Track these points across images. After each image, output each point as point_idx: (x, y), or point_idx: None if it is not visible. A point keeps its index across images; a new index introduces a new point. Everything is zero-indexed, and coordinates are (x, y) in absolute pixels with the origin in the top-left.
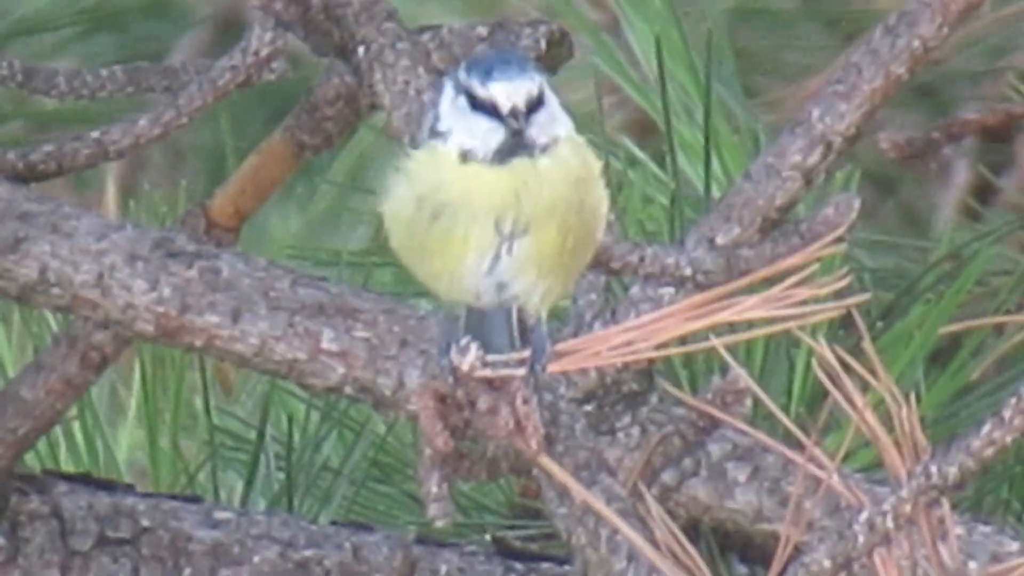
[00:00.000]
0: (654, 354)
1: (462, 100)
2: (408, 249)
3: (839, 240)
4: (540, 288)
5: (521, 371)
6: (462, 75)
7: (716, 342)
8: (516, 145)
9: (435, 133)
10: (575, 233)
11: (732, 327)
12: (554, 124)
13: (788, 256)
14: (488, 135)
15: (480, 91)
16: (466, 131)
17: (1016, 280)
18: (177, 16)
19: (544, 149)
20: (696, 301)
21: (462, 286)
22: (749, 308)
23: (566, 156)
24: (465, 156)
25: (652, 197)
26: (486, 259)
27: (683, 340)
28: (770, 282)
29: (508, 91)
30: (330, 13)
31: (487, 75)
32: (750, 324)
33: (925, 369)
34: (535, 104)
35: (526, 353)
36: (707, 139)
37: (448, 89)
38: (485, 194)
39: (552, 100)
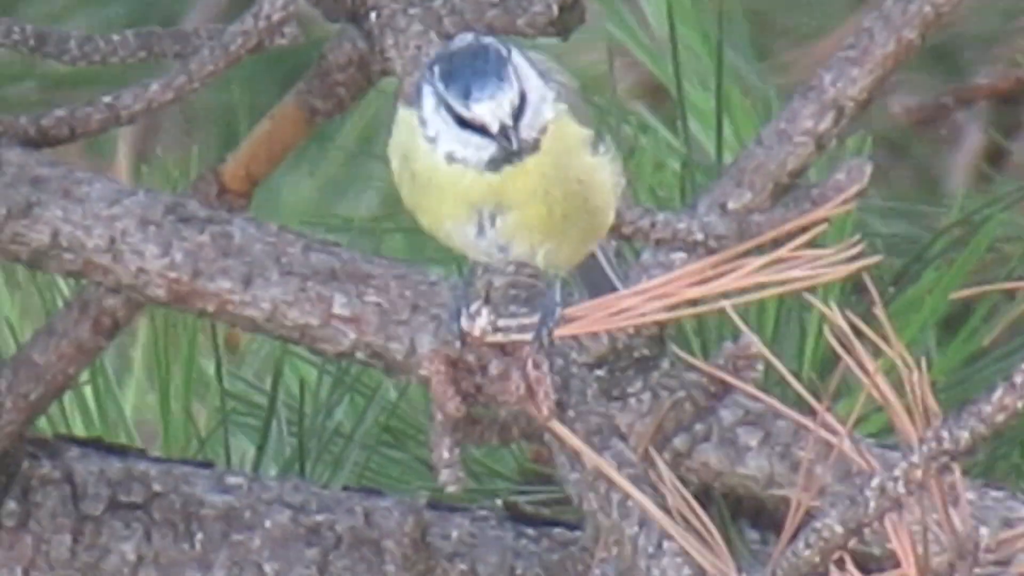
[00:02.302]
0: (663, 317)
1: (445, 112)
2: (407, 202)
3: (848, 202)
4: (544, 251)
5: (529, 336)
6: (440, 87)
7: (726, 303)
8: (509, 154)
9: (426, 133)
10: (563, 204)
11: (743, 290)
12: (538, 115)
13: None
14: (480, 150)
15: (464, 112)
16: (455, 141)
17: None
18: None
19: (534, 145)
20: (705, 264)
21: (458, 245)
22: (758, 270)
23: (549, 145)
24: (453, 158)
25: (664, 162)
26: (470, 228)
27: (693, 303)
28: (780, 245)
29: (492, 109)
30: None
31: (467, 95)
32: (760, 286)
33: (937, 335)
34: (519, 110)
35: (534, 318)
36: (719, 104)
37: (428, 95)
38: (460, 191)
39: (530, 79)
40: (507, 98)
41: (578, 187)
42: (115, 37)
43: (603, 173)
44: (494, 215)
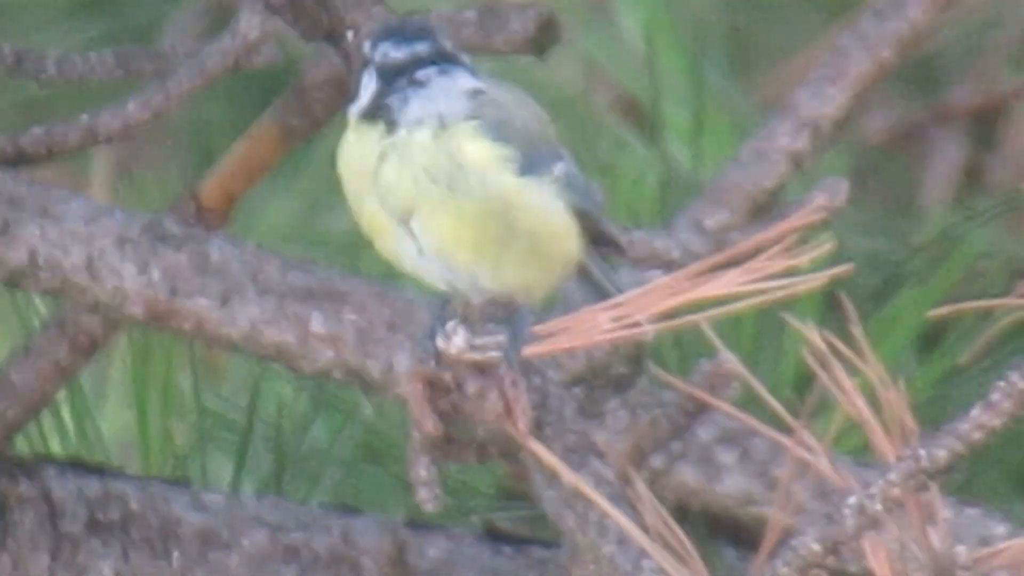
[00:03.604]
0: (637, 331)
1: (367, 72)
2: (366, 235)
3: (818, 213)
4: (486, 273)
5: (499, 354)
6: (368, 46)
7: (700, 317)
8: (376, 107)
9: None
10: (478, 220)
11: (719, 303)
12: (432, 107)
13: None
14: (365, 92)
15: (368, 54)
16: (359, 92)
17: (1004, 263)
18: None
19: (408, 126)
20: (678, 276)
21: (409, 267)
22: (732, 281)
23: (423, 139)
24: (349, 115)
25: (641, 179)
26: (405, 240)
27: (669, 316)
28: (754, 256)
29: (389, 50)
30: None
31: (379, 38)
32: (736, 297)
33: (914, 353)
34: (413, 65)
35: (503, 337)
36: (696, 122)
37: (364, 77)
38: (354, 164)
39: (448, 90)
40: (411, 48)
41: (493, 205)
42: (92, 56)
43: (535, 197)
44: (406, 220)
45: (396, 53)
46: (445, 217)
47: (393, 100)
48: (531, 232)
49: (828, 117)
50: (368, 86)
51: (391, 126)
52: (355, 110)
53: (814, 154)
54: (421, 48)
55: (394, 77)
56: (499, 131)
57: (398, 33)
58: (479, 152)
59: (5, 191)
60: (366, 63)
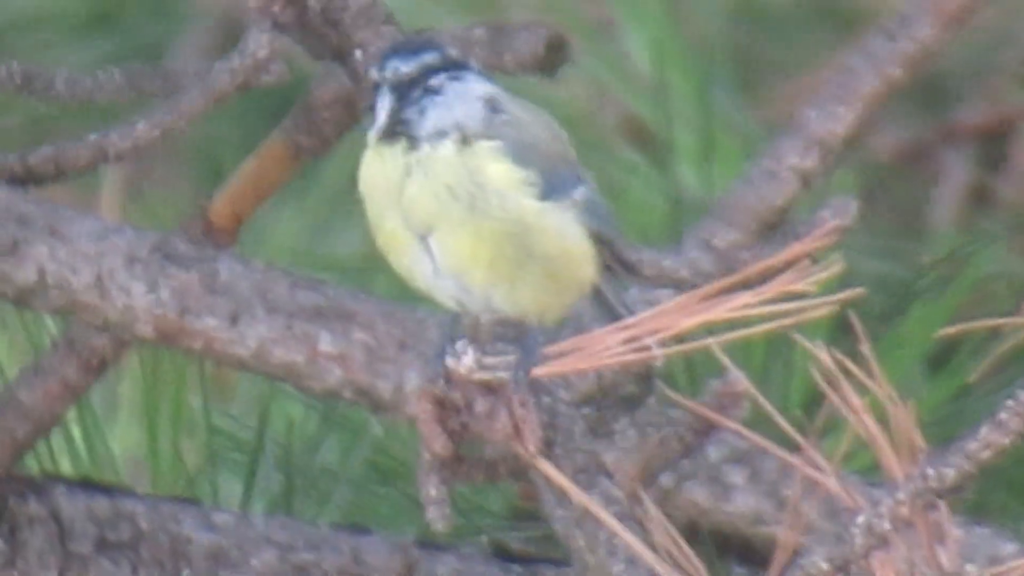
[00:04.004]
0: (648, 355)
1: (380, 93)
2: (378, 246)
3: (830, 236)
4: (501, 293)
5: (509, 375)
6: (376, 68)
7: (711, 341)
8: (395, 123)
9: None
10: (496, 241)
11: (728, 326)
12: (449, 115)
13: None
14: (381, 111)
15: (377, 75)
16: (375, 114)
17: (1013, 282)
18: (176, 16)
19: (430, 139)
20: (689, 299)
21: (422, 285)
22: (743, 304)
23: (455, 165)
24: (369, 139)
25: (649, 201)
26: (422, 258)
27: (680, 340)
28: (764, 278)
29: (399, 65)
30: (327, 16)
31: (386, 56)
32: (746, 321)
33: (922, 372)
34: (424, 75)
35: (513, 357)
36: (706, 144)
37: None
38: (377, 181)
39: (465, 101)
40: (415, 62)
41: (512, 227)
42: (101, 75)
43: (553, 220)
44: (425, 237)
45: (406, 67)
46: (463, 236)
47: (410, 113)
48: (548, 256)
49: (837, 136)
50: (383, 105)
51: (413, 141)
52: (374, 131)
53: (823, 173)
54: (429, 58)
55: (408, 90)
56: (521, 153)
57: (404, 48)
58: (500, 174)
59: (14, 210)
60: (377, 85)
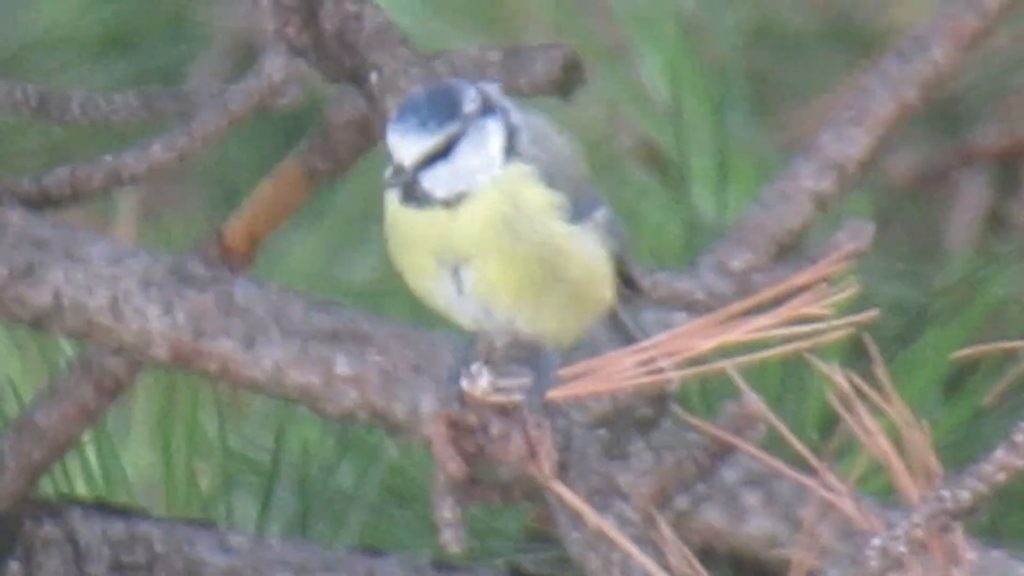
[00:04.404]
0: (663, 377)
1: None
2: (396, 267)
3: (846, 260)
4: (524, 316)
5: (524, 397)
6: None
7: (726, 364)
8: (411, 194)
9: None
10: (525, 265)
11: (743, 349)
12: (460, 177)
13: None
14: (396, 180)
15: (387, 141)
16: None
17: None
18: (192, 39)
19: (449, 202)
20: (705, 322)
21: (443, 307)
22: (759, 327)
23: (486, 201)
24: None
25: (664, 225)
26: (447, 284)
27: (695, 363)
28: (779, 302)
29: (403, 145)
30: (342, 39)
31: (393, 124)
32: (761, 344)
33: (938, 395)
34: (431, 159)
35: (528, 379)
36: (721, 167)
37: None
38: (411, 231)
39: (486, 138)
40: (419, 144)
41: (542, 249)
42: (116, 97)
43: (580, 243)
44: (457, 267)
45: (429, 143)
46: (495, 261)
47: (428, 183)
48: (575, 280)
49: (852, 158)
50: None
51: (426, 200)
52: (393, 194)
53: (838, 195)
54: (453, 129)
55: (424, 168)
56: (551, 177)
57: (428, 118)
58: (535, 198)
59: (30, 233)
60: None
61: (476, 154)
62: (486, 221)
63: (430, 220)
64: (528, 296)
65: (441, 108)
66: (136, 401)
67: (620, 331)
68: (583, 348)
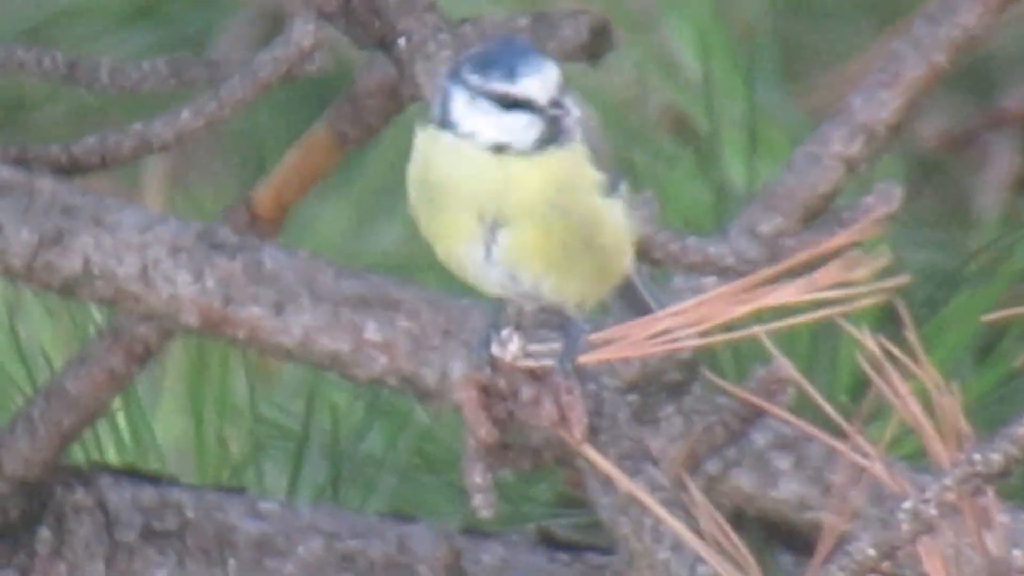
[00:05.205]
0: (695, 342)
1: (484, 102)
2: (423, 232)
3: (877, 224)
4: (551, 283)
5: (554, 362)
6: (475, 78)
7: (758, 330)
8: (555, 132)
9: (457, 132)
10: (560, 234)
11: (774, 314)
12: (572, 111)
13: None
14: (527, 129)
15: (512, 89)
16: (500, 129)
17: None
18: (220, 6)
19: (569, 134)
20: (736, 287)
21: (471, 274)
22: (789, 293)
23: (556, 159)
24: (501, 149)
25: (693, 192)
26: (478, 246)
27: (726, 328)
28: (810, 267)
29: (540, 83)
30: (371, 4)
31: (513, 73)
32: (792, 310)
33: (968, 358)
34: (563, 87)
35: (558, 344)
36: (750, 134)
37: (458, 94)
38: (460, 182)
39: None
40: (553, 73)
41: (581, 222)
42: (145, 65)
43: (612, 216)
44: (496, 228)
45: (525, 87)
46: (538, 229)
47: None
48: (604, 249)
49: (882, 122)
50: (476, 109)
51: (562, 136)
52: (521, 145)
53: (868, 159)
54: (556, 72)
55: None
56: (597, 156)
57: (531, 58)
58: (588, 176)
59: (59, 200)
60: (492, 98)
61: (554, 126)
62: (546, 181)
63: (488, 169)
64: (558, 263)
65: (529, 46)
66: (166, 369)
67: (633, 298)
68: (612, 314)
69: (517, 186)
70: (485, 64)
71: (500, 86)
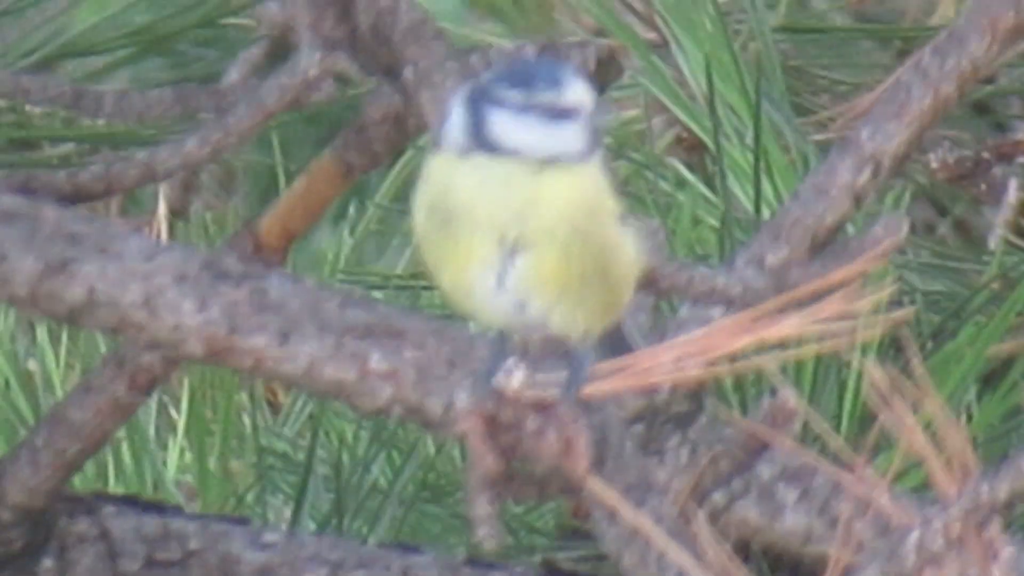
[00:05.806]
0: (699, 373)
1: (530, 116)
2: (429, 260)
3: (883, 255)
4: (560, 312)
5: (559, 393)
6: (517, 94)
7: (764, 359)
8: (597, 141)
9: (499, 151)
10: (579, 261)
11: (780, 344)
12: (573, 147)
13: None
14: (576, 138)
15: (563, 100)
16: (552, 140)
17: None
18: (228, 41)
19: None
20: (742, 318)
21: (478, 302)
22: (794, 324)
23: (582, 182)
24: (549, 162)
25: (701, 218)
26: (491, 273)
27: (731, 358)
28: (817, 298)
29: (584, 91)
30: (378, 34)
31: (559, 84)
32: (798, 341)
33: (975, 389)
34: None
35: (563, 375)
36: (757, 160)
37: (494, 111)
38: (482, 202)
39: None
40: (585, 84)
41: (599, 250)
42: (151, 93)
43: (626, 249)
44: (515, 252)
45: (574, 97)
46: (554, 254)
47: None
48: (616, 280)
49: (890, 153)
50: (505, 121)
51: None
52: (568, 155)
53: (875, 190)
54: (588, 84)
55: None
56: (611, 181)
57: (549, 75)
58: (608, 204)
59: (64, 228)
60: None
61: (593, 134)
62: (574, 201)
63: (517, 188)
64: (572, 292)
65: (557, 61)
66: (170, 398)
67: (616, 335)
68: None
69: (545, 204)
70: (524, 80)
71: (548, 97)
